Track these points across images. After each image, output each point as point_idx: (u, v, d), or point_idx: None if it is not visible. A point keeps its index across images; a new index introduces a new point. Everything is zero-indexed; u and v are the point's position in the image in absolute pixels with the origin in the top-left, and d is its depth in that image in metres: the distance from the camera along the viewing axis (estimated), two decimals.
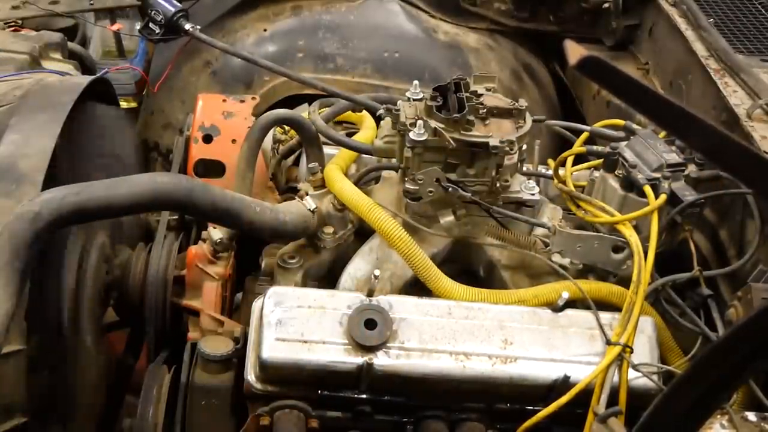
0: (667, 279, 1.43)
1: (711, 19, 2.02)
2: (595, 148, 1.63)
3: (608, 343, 1.31)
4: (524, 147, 1.46)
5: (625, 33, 2.31)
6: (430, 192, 1.43)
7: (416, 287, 1.46)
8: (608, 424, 1.00)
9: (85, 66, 2.06)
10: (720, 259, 1.60)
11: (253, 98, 1.99)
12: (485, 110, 1.42)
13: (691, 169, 1.51)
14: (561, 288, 1.40)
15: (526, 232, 1.51)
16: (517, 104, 1.45)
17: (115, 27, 2.34)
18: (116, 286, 1.61)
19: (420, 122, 1.40)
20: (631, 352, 1.30)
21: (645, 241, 1.38)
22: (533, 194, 1.48)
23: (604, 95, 2.20)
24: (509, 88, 2.30)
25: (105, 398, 1.63)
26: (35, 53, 1.81)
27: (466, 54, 2.36)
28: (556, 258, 1.49)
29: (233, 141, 1.83)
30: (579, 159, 1.63)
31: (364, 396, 1.32)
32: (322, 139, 1.67)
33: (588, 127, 1.73)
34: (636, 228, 1.42)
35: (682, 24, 2.02)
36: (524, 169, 1.57)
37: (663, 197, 1.41)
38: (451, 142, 1.38)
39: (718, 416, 1.08)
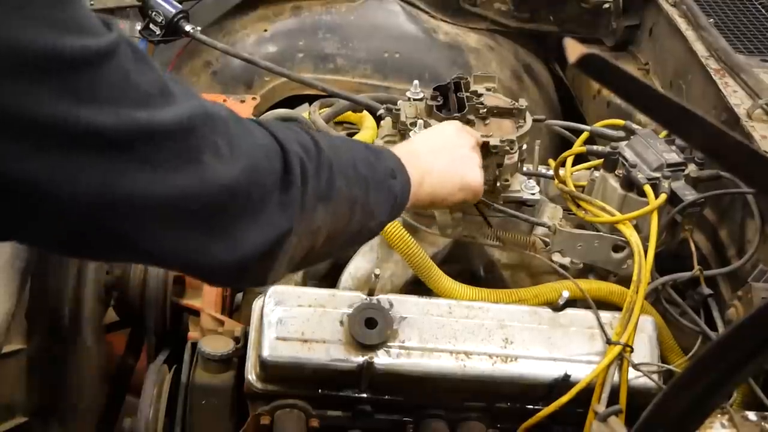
0: (668, 278, 1.43)
1: (711, 19, 2.02)
2: (595, 147, 1.63)
3: (608, 342, 1.31)
4: (524, 147, 1.47)
5: (625, 33, 2.30)
6: None
7: (416, 286, 1.46)
8: (608, 423, 0.99)
9: None
10: (720, 259, 1.60)
11: (254, 98, 1.98)
12: (485, 110, 1.42)
13: (691, 169, 1.51)
14: (561, 287, 1.40)
15: (527, 232, 1.51)
16: (517, 104, 1.45)
17: None
18: (116, 285, 1.61)
19: (420, 122, 1.40)
20: (632, 351, 1.30)
21: (645, 241, 1.39)
22: (533, 194, 1.48)
23: (604, 95, 2.20)
24: (509, 88, 2.30)
25: (105, 398, 1.63)
26: None
27: (466, 54, 2.36)
28: (557, 257, 1.49)
29: None
30: (579, 159, 1.63)
31: (364, 395, 1.32)
32: None
33: (588, 127, 1.73)
34: (636, 227, 1.42)
35: (682, 24, 2.02)
36: (524, 168, 1.57)
37: (663, 197, 1.41)
38: None
39: (718, 415, 1.08)
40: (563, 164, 1.58)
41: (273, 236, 0.83)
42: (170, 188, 0.72)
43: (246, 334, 1.38)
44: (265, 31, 2.33)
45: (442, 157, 1.22)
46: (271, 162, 0.84)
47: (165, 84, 0.73)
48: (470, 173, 1.25)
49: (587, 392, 1.28)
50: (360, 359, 1.27)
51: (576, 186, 1.56)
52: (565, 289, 1.38)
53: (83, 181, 0.66)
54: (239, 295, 1.73)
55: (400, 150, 1.16)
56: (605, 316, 1.36)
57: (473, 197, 1.28)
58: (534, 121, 1.48)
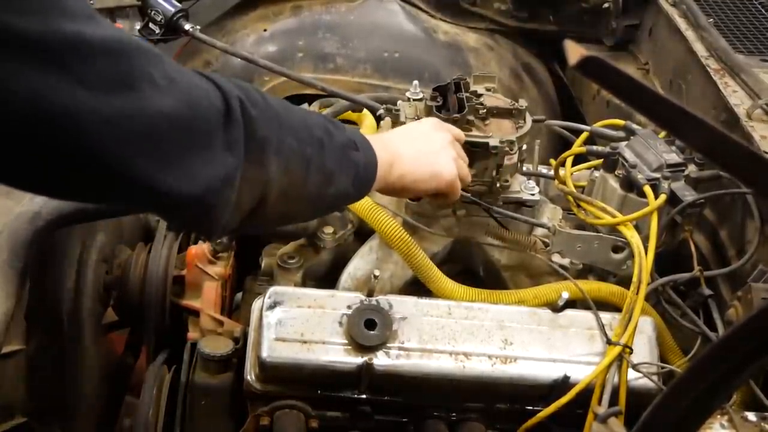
0: (668, 279, 1.43)
1: (711, 19, 2.02)
2: (595, 148, 1.63)
3: (608, 343, 1.31)
4: (524, 147, 1.46)
5: (625, 33, 2.31)
6: None
7: (416, 287, 1.46)
8: (608, 424, 0.99)
9: None
10: (720, 259, 1.60)
11: None
12: (485, 110, 1.42)
13: (691, 169, 1.51)
14: (561, 288, 1.40)
15: (526, 232, 1.51)
16: (517, 104, 1.45)
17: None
18: (116, 285, 1.61)
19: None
20: (631, 352, 1.30)
21: (645, 241, 1.38)
22: (533, 194, 1.48)
23: (604, 95, 2.20)
24: (509, 88, 2.30)
25: (105, 398, 1.63)
26: None
27: (465, 54, 2.36)
28: (556, 258, 1.49)
29: None
30: (579, 159, 1.63)
31: (364, 396, 1.32)
32: None
33: (588, 127, 1.73)
34: (636, 228, 1.42)
35: (682, 24, 2.02)
36: (524, 169, 1.57)
37: (663, 197, 1.41)
38: None
39: (718, 416, 1.08)
40: (563, 164, 1.58)
41: (222, 173, 0.86)
42: (107, 108, 0.74)
43: (245, 335, 1.38)
44: (265, 30, 2.33)
45: (414, 145, 1.25)
46: (211, 101, 0.86)
47: (95, 13, 0.76)
48: (443, 163, 1.26)
49: (587, 393, 1.28)
50: (359, 360, 1.27)
51: (576, 186, 1.56)
52: (564, 290, 1.38)
53: (15, 89, 0.68)
54: (239, 296, 1.73)
55: (372, 136, 1.19)
56: (605, 317, 1.36)
57: (447, 188, 1.28)
58: (534, 121, 1.48)
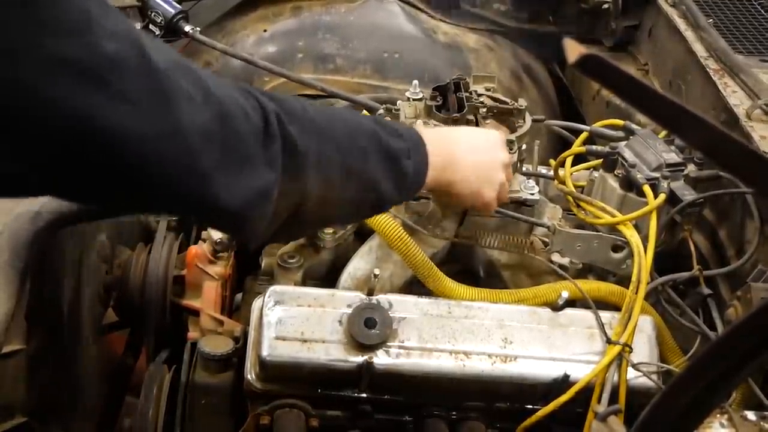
0: (667, 278, 1.43)
1: (711, 19, 2.02)
2: (594, 148, 1.63)
3: (608, 342, 1.31)
4: (524, 147, 1.47)
5: (625, 33, 2.31)
6: None
7: (416, 286, 1.46)
8: (608, 423, 0.99)
9: None
10: (719, 259, 1.61)
11: None
12: (485, 110, 1.42)
13: (691, 169, 1.51)
14: (561, 287, 1.40)
15: (526, 232, 1.51)
16: (516, 104, 1.45)
17: None
18: (116, 286, 1.61)
19: (420, 122, 1.40)
20: (631, 351, 1.30)
21: (644, 241, 1.39)
22: (533, 194, 1.48)
23: (603, 95, 2.20)
24: (509, 88, 2.30)
25: (105, 398, 1.63)
26: None
27: (465, 54, 2.36)
28: (556, 257, 1.49)
29: None
30: (579, 159, 1.63)
31: (364, 395, 1.32)
32: None
33: (588, 127, 1.73)
34: (635, 227, 1.42)
35: (681, 24, 2.02)
36: (524, 169, 1.57)
37: (662, 197, 1.41)
38: None
39: (718, 415, 1.08)
40: (563, 164, 1.58)
41: (260, 186, 0.87)
42: (147, 125, 0.75)
43: (246, 334, 1.38)
44: (265, 31, 2.33)
45: (473, 157, 1.25)
46: (249, 116, 0.87)
47: (133, 31, 0.76)
48: (489, 186, 1.27)
49: (587, 392, 1.28)
50: (359, 359, 1.27)
51: (576, 186, 1.57)
52: (564, 290, 1.38)
53: (58, 107, 0.69)
54: (239, 296, 1.73)
55: (440, 132, 1.20)
56: (605, 316, 1.36)
57: (481, 207, 1.31)
58: (533, 121, 1.48)
